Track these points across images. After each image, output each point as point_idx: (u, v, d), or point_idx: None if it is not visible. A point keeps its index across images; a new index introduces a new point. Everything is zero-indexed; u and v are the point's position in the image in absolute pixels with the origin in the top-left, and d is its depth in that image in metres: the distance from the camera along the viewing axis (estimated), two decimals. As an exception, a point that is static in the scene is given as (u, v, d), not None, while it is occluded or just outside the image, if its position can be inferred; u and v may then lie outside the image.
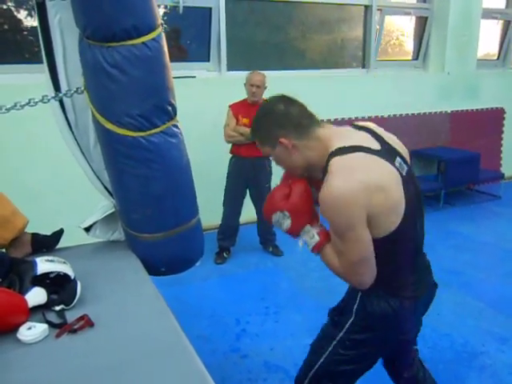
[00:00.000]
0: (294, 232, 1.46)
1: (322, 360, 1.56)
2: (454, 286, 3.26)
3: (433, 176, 5.45)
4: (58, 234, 1.90)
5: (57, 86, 1.68)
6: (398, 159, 1.36)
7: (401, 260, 1.41)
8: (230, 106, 3.74)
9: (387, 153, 1.35)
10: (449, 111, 5.47)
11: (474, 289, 3.25)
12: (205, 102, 4.15)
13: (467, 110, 5.60)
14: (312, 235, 1.42)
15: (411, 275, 1.47)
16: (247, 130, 3.48)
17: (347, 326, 1.51)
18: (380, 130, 1.44)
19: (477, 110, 5.66)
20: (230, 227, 3.88)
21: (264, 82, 3.60)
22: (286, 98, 1.41)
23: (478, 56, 5.62)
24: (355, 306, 1.50)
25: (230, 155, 3.80)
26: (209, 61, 4.39)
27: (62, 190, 3.64)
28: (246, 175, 3.74)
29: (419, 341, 2.61)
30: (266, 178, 3.74)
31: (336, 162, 1.29)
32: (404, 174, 1.34)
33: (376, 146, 1.35)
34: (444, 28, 5.26)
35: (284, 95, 1.43)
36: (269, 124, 1.39)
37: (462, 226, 4.53)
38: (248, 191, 3.84)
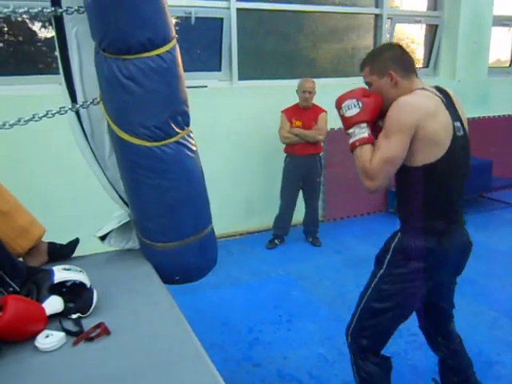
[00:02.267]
0: (355, 120, 1.68)
1: (366, 297, 1.79)
2: (468, 294, 3.23)
3: (445, 184, 5.41)
4: (74, 243, 1.92)
5: (73, 96, 1.71)
6: (458, 123, 1.65)
7: (438, 195, 1.66)
8: (282, 112, 4.08)
9: (451, 113, 1.63)
10: (460, 119, 5.44)
11: (489, 298, 3.22)
12: (217, 112, 4.19)
13: (478, 118, 5.57)
14: (364, 131, 1.66)
15: (444, 215, 1.70)
16: (301, 131, 3.92)
17: (386, 262, 1.75)
18: (454, 97, 1.73)
19: (488, 117, 5.64)
20: (284, 218, 4.27)
21: (314, 88, 3.95)
22: (402, 46, 1.74)
23: (489, 63, 5.60)
24: (393, 244, 1.74)
25: (285, 154, 4.16)
26: (220, 70, 4.43)
27: (77, 199, 3.69)
28: (299, 171, 4.09)
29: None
30: (317, 173, 4.14)
31: (416, 91, 1.64)
32: (458, 134, 1.63)
33: (447, 105, 1.64)
34: (455, 36, 5.26)
35: (400, 44, 1.76)
36: (386, 58, 1.68)
37: (475, 233, 4.41)
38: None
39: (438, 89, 1.71)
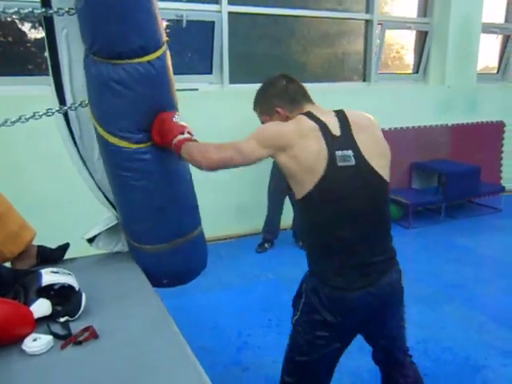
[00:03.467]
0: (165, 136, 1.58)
1: (287, 350, 1.66)
2: (456, 299, 3.25)
3: (433, 189, 5.47)
4: (64, 247, 1.89)
5: (62, 98, 1.70)
6: (346, 151, 1.48)
7: (326, 237, 1.52)
8: None
9: (340, 141, 1.49)
10: (449, 124, 5.50)
11: (477, 302, 3.24)
12: (207, 115, 4.18)
13: (467, 124, 5.62)
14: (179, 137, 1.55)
15: (342, 267, 1.51)
16: None
17: (301, 306, 1.60)
18: (356, 121, 1.56)
19: (477, 123, 5.69)
20: (272, 221, 4.27)
21: None
22: (288, 76, 1.65)
23: (477, 70, 5.67)
24: (304, 286, 1.62)
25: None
26: (211, 73, 4.43)
27: (67, 201, 3.66)
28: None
29: (422, 354, 2.61)
30: None
31: (295, 118, 1.53)
32: (340, 164, 1.46)
33: (336, 132, 1.50)
34: (444, 42, 5.32)
35: (286, 74, 1.66)
36: (270, 96, 1.62)
37: (463, 239, 4.53)
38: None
39: (338, 113, 1.56)
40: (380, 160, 1.54)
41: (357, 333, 1.66)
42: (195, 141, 1.56)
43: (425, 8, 5.43)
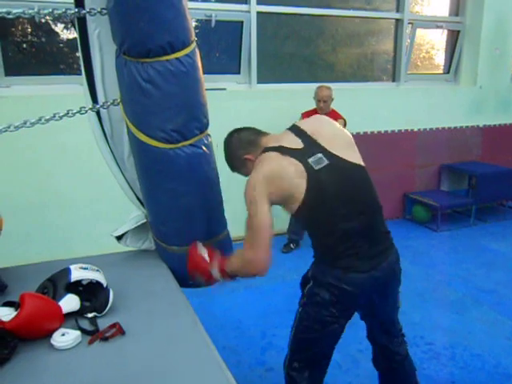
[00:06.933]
0: (211, 279, 1.72)
1: (294, 330, 1.76)
2: (485, 304, 3.17)
3: (463, 191, 5.35)
4: None
5: (94, 97, 1.72)
6: (318, 155, 1.58)
7: (329, 232, 1.62)
8: (302, 114, 4.08)
9: (306, 151, 1.59)
10: (481, 125, 5.38)
11: (507, 308, 3.15)
12: (235, 114, 4.18)
13: (500, 125, 5.49)
14: (216, 271, 1.68)
15: (348, 249, 1.61)
16: None
17: (306, 290, 1.73)
18: (310, 127, 1.67)
19: (510, 124, 5.55)
20: (296, 223, 4.15)
21: (331, 95, 3.95)
22: (236, 129, 1.78)
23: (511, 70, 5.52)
24: (310, 272, 1.73)
25: None
26: (239, 73, 4.44)
27: (94, 198, 3.71)
28: None
29: (450, 360, 2.56)
30: None
31: (258, 158, 1.63)
32: (318, 167, 1.56)
33: (298, 145, 1.60)
34: (476, 41, 5.20)
35: (236, 128, 1.79)
36: (232, 152, 1.74)
37: (494, 242, 4.42)
38: None
39: (292, 129, 1.69)
40: (346, 150, 1.65)
41: (359, 310, 1.79)
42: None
43: (457, 7, 5.32)
